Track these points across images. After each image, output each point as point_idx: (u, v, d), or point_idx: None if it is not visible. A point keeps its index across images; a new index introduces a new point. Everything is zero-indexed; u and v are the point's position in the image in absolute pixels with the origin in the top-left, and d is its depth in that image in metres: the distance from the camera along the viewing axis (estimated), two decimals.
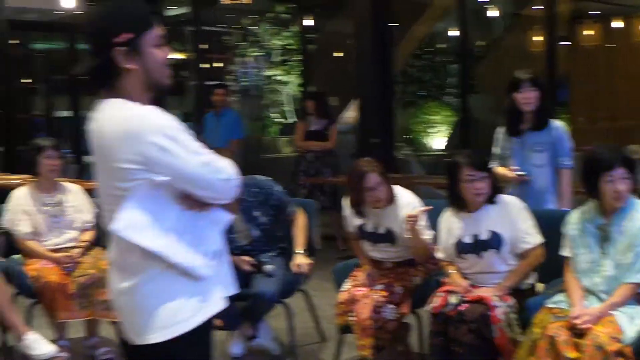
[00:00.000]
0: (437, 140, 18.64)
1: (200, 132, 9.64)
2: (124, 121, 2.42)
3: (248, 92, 16.52)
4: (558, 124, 5.57)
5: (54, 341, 5.27)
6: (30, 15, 13.52)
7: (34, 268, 5.37)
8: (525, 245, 4.49)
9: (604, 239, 4.08)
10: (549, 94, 5.64)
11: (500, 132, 5.71)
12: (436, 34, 18.07)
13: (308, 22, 15.34)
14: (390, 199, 4.95)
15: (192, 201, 2.49)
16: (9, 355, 5.34)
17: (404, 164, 11.33)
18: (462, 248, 4.59)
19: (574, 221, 4.24)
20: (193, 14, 13.83)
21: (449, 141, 16.36)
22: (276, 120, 17.36)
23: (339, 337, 5.13)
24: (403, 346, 5.12)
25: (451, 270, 4.67)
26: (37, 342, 4.99)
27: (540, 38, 12.45)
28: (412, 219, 4.72)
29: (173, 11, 15.14)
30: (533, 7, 13.44)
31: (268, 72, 17.61)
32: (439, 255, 4.76)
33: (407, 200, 4.98)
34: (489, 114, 11.10)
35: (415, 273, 4.97)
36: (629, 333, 3.80)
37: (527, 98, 5.42)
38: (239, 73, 16.16)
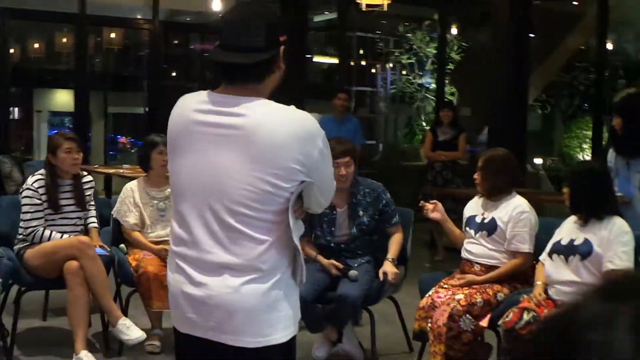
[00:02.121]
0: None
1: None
2: (295, 122, 2.43)
3: (398, 98, 16.54)
4: None
5: (148, 330, 5.47)
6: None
7: (135, 258, 5.60)
8: (610, 265, 4.28)
9: None
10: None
11: (610, 150, 5.55)
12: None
13: (453, 30, 15.31)
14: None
15: (300, 208, 2.56)
16: (107, 340, 5.57)
17: (534, 179, 11.10)
18: (556, 248, 4.54)
19: None
20: (341, 19, 13.97)
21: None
22: (424, 127, 17.33)
23: (420, 345, 5.10)
24: None
25: (538, 282, 4.60)
26: (129, 327, 5.21)
27: None
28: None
29: (324, 16, 15.36)
30: None
31: (420, 80, 17.60)
32: (542, 256, 4.73)
33: (519, 202, 5.03)
34: None
35: (499, 289, 4.89)
36: None
37: (615, 123, 5.24)
38: (389, 79, 16.20)
